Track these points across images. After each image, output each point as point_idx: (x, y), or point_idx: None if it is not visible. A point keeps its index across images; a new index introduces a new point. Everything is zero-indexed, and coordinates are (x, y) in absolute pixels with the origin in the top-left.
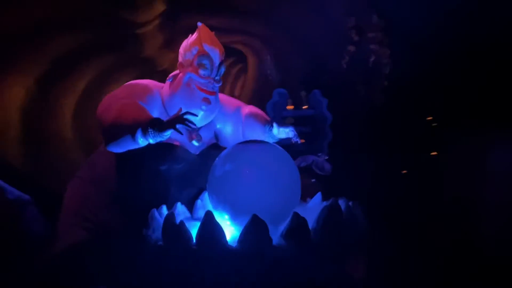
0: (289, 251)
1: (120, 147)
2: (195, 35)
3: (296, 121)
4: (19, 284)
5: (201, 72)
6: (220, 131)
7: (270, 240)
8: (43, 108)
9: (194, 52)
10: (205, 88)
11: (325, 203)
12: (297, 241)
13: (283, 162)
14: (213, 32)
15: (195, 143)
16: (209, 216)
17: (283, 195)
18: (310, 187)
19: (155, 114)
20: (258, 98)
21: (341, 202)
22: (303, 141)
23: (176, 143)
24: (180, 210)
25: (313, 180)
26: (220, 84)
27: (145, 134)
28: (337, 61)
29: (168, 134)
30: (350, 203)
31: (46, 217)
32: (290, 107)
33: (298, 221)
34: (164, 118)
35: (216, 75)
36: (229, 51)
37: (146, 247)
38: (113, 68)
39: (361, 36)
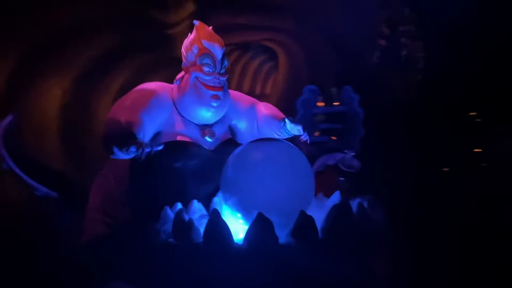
0: (296, 249)
1: (114, 157)
2: (193, 34)
3: (327, 118)
4: (43, 276)
5: (205, 69)
6: (235, 127)
7: (276, 238)
8: (80, 108)
9: (195, 51)
10: (212, 84)
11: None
12: (303, 240)
13: (296, 160)
14: (211, 27)
15: (208, 139)
16: (215, 214)
17: (296, 193)
18: (339, 186)
19: (164, 116)
20: (289, 95)
21: (356, 201)
22: (334, 138)
23: (188, 139)
24: (196, 207)
25: (342, 178)
26: (227, 77)
27: (121, 150)
28: (369, 56)
29: (132, 152)
30: (365, 202)
31: (79, 213)
32: (320, 104)
33: (305, 220)
34: (177, 118)
35: (221, 69)
36: (259, 49)
37: (157, 243)
38: (147, 68)
39: (393, 30)
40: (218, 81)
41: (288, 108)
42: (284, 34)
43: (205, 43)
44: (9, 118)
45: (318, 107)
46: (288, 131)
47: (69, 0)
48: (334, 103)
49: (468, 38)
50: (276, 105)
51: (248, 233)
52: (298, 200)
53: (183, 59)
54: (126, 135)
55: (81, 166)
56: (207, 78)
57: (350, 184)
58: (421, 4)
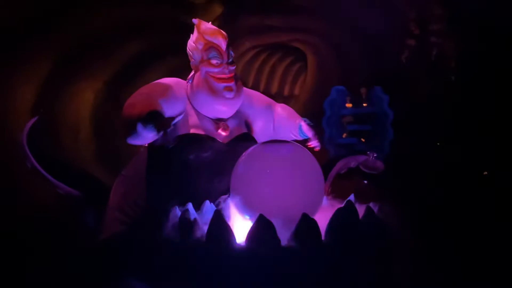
0: (297, 252)
1: (135, 140)
2: (195, 33)
3: (355, 119)
4: (61, 274)
5: (213, 62)
6: (251, 125)
7: (278, 240)
8: (111, 110)
9: (200, 47)
10: (222, 76)
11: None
12: (305, 243)
13: (305, 162)
14: (210, 22)
15: (222, 132)
16: (217, 215)
17: (305, 196)
18: (361, 188)
19: (179, 108)
20: (318, 96)
21: (367, 205)
22: (363, 140)
23: (201, 132)
24: (209, 207)
25: (365, 181)
26: (235, 66)
27: (144, 127)
28: (400, 55)
29: (159, 132)
30: (376, 207)
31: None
32: (349, 104)
33: (306, 223)
34: (191, 112)
35: (228, 59)
36: (288, 50)
37: (163, 243)
38: (176, 71)
39: (422, 29)
40: (228, 71)
41: (317, 109)
42: (312, 34)
43: (208, 37)
44: (34, 119)
45: (346, 108)
46: (303, 132)
47: (100, 5)
48: (363, 104)
49: (503, 35)
50: (304, 106)
51: (249, 235)
52: (306, 203)
53: (191, 59)
54: (150, 112)
55: (110, 167)
56: (217, 70)
57: (373, 187)
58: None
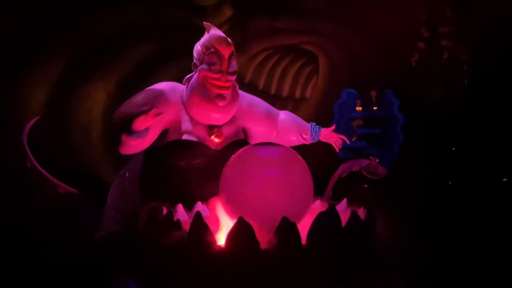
0: (275, 255)
1: (125, 149)
2: (204, 35)
3: (365, 123)
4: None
5: (212, 68)
6: (249, 130)
7: (257, 243)
8: None
9: (203, 50)
10: (219, 83)
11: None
12: (285, 246)
13: (294, 166)
14: (219, 24)
15: (215, 139)
16: (197, 218)
17: (292, 199)
18: (362, 192)
19: (172, 114)
20: (329, 98)
21: (352, 211)
22: (372, 143)
23: (194, 139)
24: (200, 208)
25: (366, 186)
26: (235, 77)
27: (128, 135)
28: (410, 59)
29: (141, 132)
30: (363, 212)
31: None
32: (359, 108)
33: (286, 225)
34: (185, 118)
35: (229, 68)
36: (299, 53)
37: (148, 242)
38: (187, 72)
39: (433, 32)
40: (225, 79)
41: (328, 112)
42: (324, 37)
43: (212, 42)
44: (34, 120)
45: (356, 111)
46: (318, 135)
47: (112, 7)
48: (374, 108)
49: None
50: (315, 109)
51: (229, 237)
52: (292, 206)
53: (194, 60)
54: (130, 119)
55: (121, 167)
56: (214, 76)
57: (374, 192)
58: (465, 2)
